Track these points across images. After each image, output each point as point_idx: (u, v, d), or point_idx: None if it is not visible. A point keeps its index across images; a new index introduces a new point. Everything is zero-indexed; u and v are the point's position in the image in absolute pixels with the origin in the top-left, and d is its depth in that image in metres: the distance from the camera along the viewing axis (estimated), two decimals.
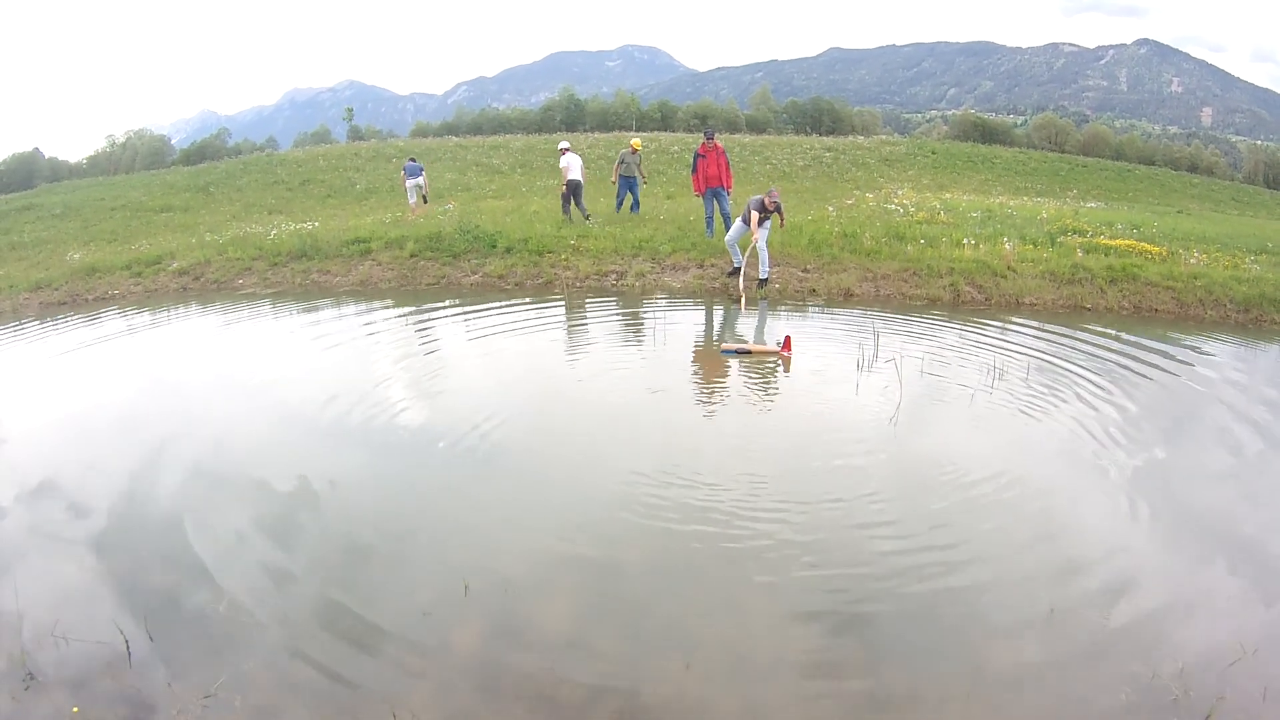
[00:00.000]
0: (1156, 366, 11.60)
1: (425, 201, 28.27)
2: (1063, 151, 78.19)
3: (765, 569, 6.13)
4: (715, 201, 18.95)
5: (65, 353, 13.78)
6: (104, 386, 11.53)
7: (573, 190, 23.20)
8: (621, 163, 22.99)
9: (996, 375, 10.69)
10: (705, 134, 19.08)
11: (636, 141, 23.32)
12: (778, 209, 15.98)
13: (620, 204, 24.00)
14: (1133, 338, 13.26)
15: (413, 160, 29.69)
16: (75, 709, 4.77)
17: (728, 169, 18.65)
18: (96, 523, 7.06)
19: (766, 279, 16.31)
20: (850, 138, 70.41)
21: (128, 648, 5.23)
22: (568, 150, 23.53)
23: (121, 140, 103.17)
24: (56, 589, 6.07)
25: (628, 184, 23.65)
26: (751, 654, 5.22)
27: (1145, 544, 6.70)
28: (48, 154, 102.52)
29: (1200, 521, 7.06)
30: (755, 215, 15.62)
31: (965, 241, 18.60)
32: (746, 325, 14.03)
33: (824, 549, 6.42)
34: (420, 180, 27.99)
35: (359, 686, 4.95)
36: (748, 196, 17.04)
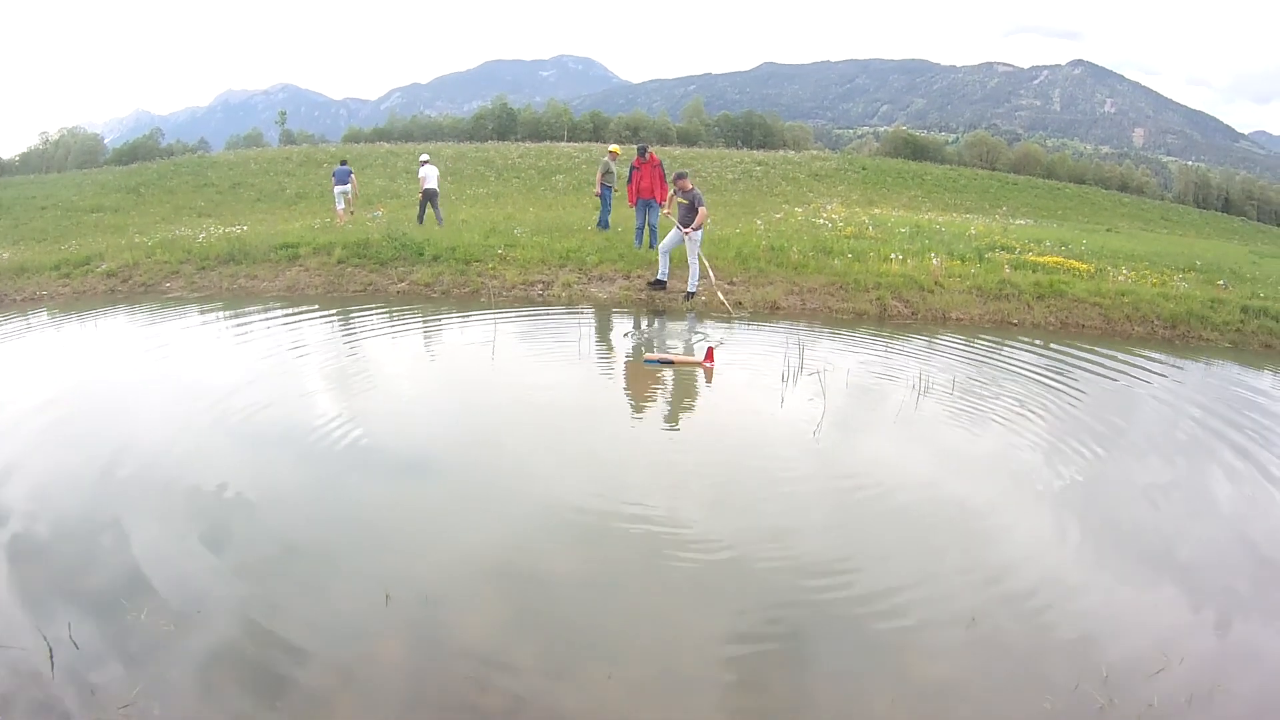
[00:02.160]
0: (1081, 380, 11.78)
1: (352, 212, 28.12)
2: (994, 169, 79.57)
3: (690, 582, 6.10)
4: (646, 213, 19.06)
5: None
6: (11, 389, 11.27)
7: (429, 197, 26.12)
8: (606, 171, 22.44)
9: (921, 388, 10.75)
10: (639, 150, 19.20)
11: (616, 148, 22.99)
12: (695, 202, 15.83)
13: (604, 221, 23.32)
14: (1058, 350, 13.49)
15: (344, 164, 29.91)
16: None
17: (661, 182, 18.85)
18: (13, 529, 6.87)
19: (694, 293, 16.37)
20: (781, 152, 71.11)
21: (50, 656, 5.10)
22: (427, 162, 26.14)
23: (55, 138, 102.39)
24: None
25: (607, 190, 23.03)
26: (675, 667, 5.18)
27: (1069, 554, 6.74)
28: None
29: (1125, 531, 7.15)
30: (678, 201, 16.04)
31: (893, 256, 18.76)
32: (670, 337, 14.03)
33: (748, 562, 6.40)
34: (348, 187, 28.08)
35: (281, 696, 4.86)
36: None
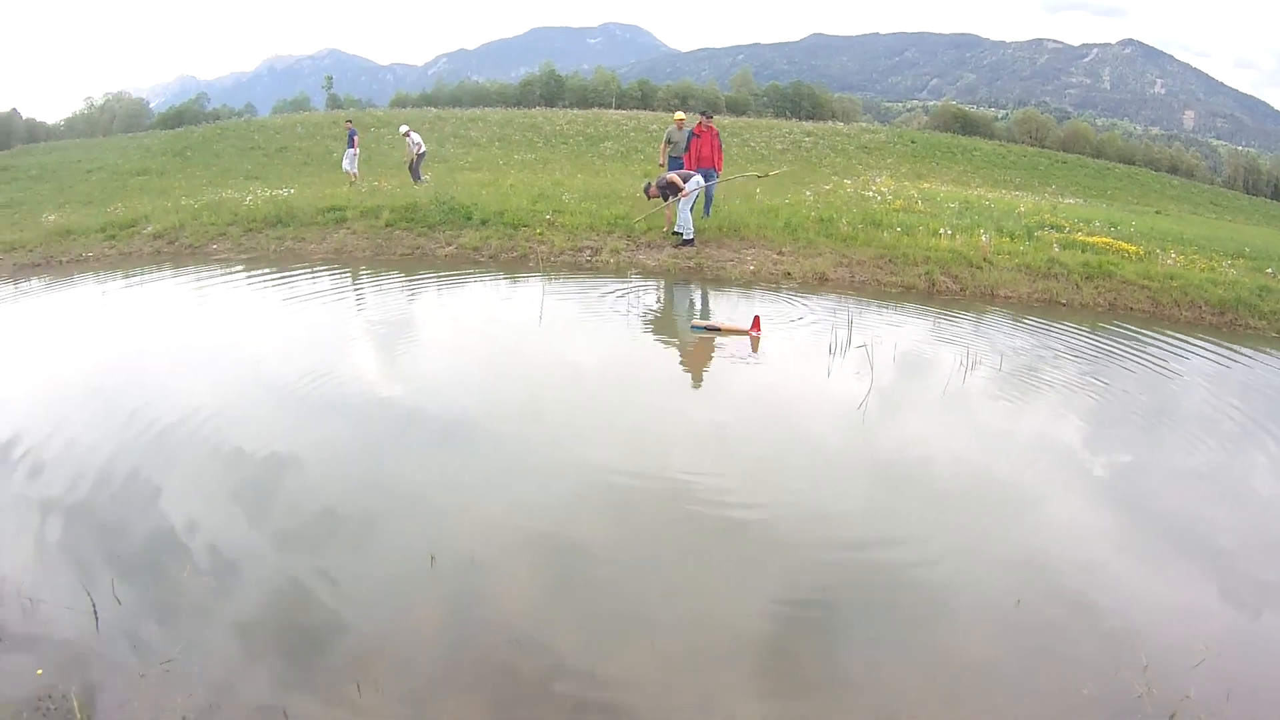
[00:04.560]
0: (1130, 363, 11.65)
1: (351, 176, 29.61)
2: (1043, 147, 78.57)
3: (729, 553, 6.12)
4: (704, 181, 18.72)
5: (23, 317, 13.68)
6: (62, 352, 11.37)
7: (421, 160, 28.53)
8: (669, 141, 20.30)
9: (969, 365, 10.67)
10: (702, 115, 18.93)
11: (681, 115, 20.75)
12: (661, 192, 17.09)
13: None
14: (1107, 331, 13.34)
15: (350, 124, 32.02)
16: (39, 671, 4.70)
17: (720, 150, 18.54)
18: (61, 488, 6.94)
19: (678, 232, 17.45)
20: (830, 124, 70.46)
21: (95, 612, 5.17)
22: (411, 131, 28.71)
23: (100, 103, 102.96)
24: (24, 552, 5.99)
25: (675, 166, 19.69)
26: (713, 637, 5.20)
27: (1113, 539, 6.70)
28: (25, 115, 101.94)
29: (1169, 521, 7.07)
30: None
31: (942, 231, 18.58)
32: (717, 304, 14.07)
33: (790, 534, 6.41)
34: (355, 151, 29.89)
35: (321, 657, 4.91)
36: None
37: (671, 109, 72.00)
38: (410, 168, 28.25)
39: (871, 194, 26.79)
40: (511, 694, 4.69)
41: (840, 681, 4.88)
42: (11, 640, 5.01)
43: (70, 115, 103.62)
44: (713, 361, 10.78)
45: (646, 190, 17.46)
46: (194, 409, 8.60)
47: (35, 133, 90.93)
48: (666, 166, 19.94)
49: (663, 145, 20.53)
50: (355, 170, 29.74)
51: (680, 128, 19.70)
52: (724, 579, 5.81)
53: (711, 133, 18.38)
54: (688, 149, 18.78)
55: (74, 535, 6.22)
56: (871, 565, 6.01)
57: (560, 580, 5.77)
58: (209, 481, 7.07)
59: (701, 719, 4.60)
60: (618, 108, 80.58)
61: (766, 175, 27.80)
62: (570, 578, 5.79)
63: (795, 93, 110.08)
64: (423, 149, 28.66)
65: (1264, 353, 13.19)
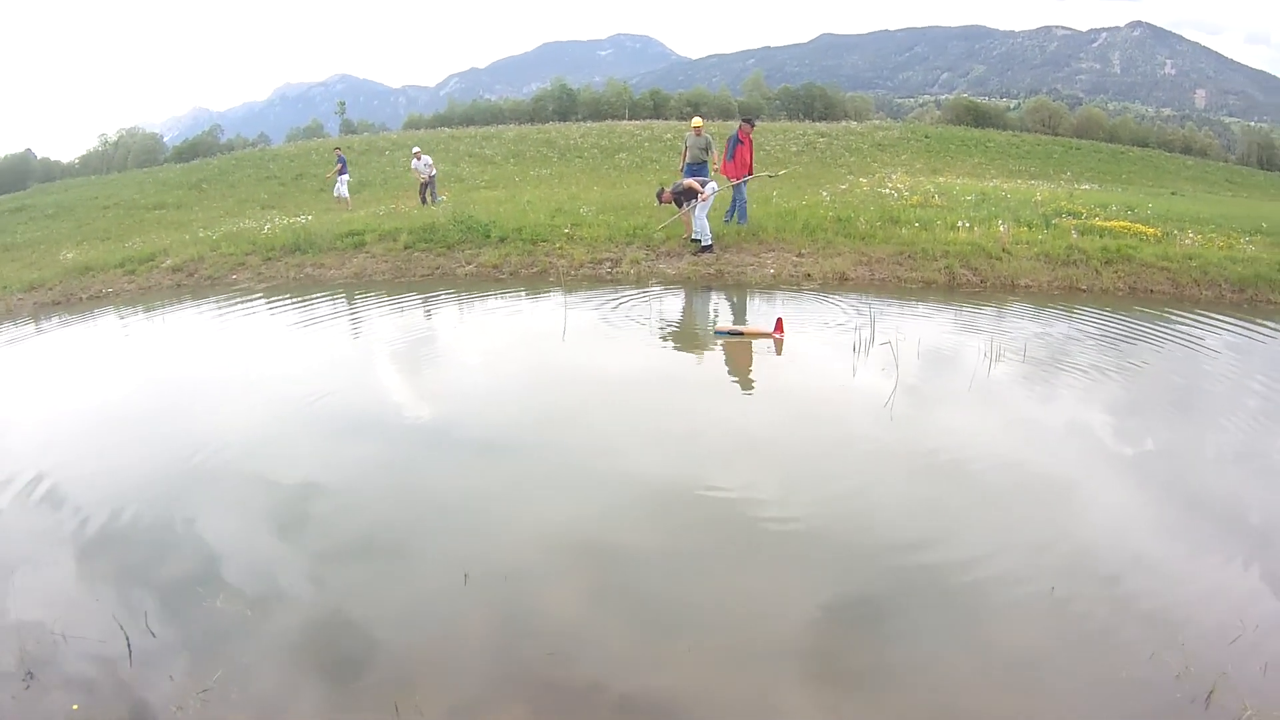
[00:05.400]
0: (1153, 345, 11.67)
1: (345, 203, 30.86)
2: (1056, 134, 78.05)
3: (768, 555, 6.14)
4: (737, 189, 18.85)
5: (50, 349, 13.83)
6: (90, 383, 11.50)
7: (433, 181, 29.15)
8: (687, 147, 19.10)
9: (993, 356, 10.67)
10: (745, 120, 18.86)
11: (699, 121, 19.68)
12: (675, 198, 17.25)
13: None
14: (1128, 315, 13.36)
15: (339, 150, 35.07)
16: (75, 706, 4.73)
17: (751, 157, 18.56)
18: (93, 519, 6.97)
19: (696, 239, 17.41)
20: (843, 123, 70.20)
21: (128, 644, 5.18)
22: (422, 154, 29.29)
23: (114, 139, 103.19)
24: (56, 586, 6.03)
25: (694, 173, 18.54)
26: (755, 639, 5.21)
27: (1146, 521, 6.71)
28: (40, 155, 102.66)
29: (1201, 500, 7.05)
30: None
31: (960, 224, 18.61)
32: (739, 309, 14.19)
33: (825, 534, 6.42)
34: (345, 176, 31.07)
35: (359, 678, 4.92)
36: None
37: (685, 117, 72.05)
38: (421, 191, 28.75)
39: (888, 191, 26.76)
40: (553, 706, 4.70)
41: (887, 678, 4.90)
42: (45, 677, 5.02)
43: (85, 153, 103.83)
44: (737, 365, 10.87)
45: (659, 196, 17.40)
46: (220, 437, 8.66)
47: (51, 171, 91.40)
48: (684, 174, 19.09)
49: (682, 153, 19.72)
50: (347, 195, 30.88)
51: (699, 134, 18.85)
52: (764, 580, 5.83)
53: (751, 140, 18.36)
54: (733, 156, 18.43)
55: (104, 568, 6.26)
56: (909, 560, 6.02)
57: (600, 589, 5.79)
58: (239, 508, 7.12)
59: None
60: (631, 118, 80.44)
61: (775, 175, 28.58)
62: (610, 586, 5.81)
63: (808, 94, 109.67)
64: (434, 171, 29.23)
65: None
